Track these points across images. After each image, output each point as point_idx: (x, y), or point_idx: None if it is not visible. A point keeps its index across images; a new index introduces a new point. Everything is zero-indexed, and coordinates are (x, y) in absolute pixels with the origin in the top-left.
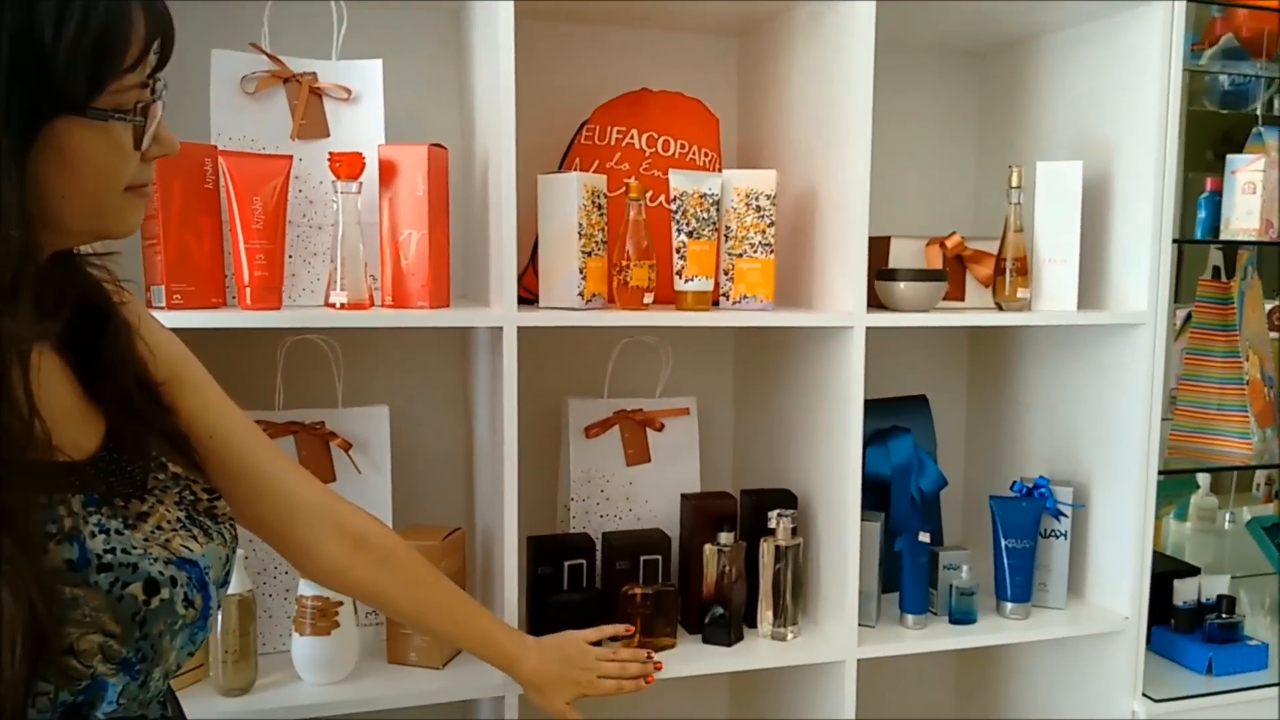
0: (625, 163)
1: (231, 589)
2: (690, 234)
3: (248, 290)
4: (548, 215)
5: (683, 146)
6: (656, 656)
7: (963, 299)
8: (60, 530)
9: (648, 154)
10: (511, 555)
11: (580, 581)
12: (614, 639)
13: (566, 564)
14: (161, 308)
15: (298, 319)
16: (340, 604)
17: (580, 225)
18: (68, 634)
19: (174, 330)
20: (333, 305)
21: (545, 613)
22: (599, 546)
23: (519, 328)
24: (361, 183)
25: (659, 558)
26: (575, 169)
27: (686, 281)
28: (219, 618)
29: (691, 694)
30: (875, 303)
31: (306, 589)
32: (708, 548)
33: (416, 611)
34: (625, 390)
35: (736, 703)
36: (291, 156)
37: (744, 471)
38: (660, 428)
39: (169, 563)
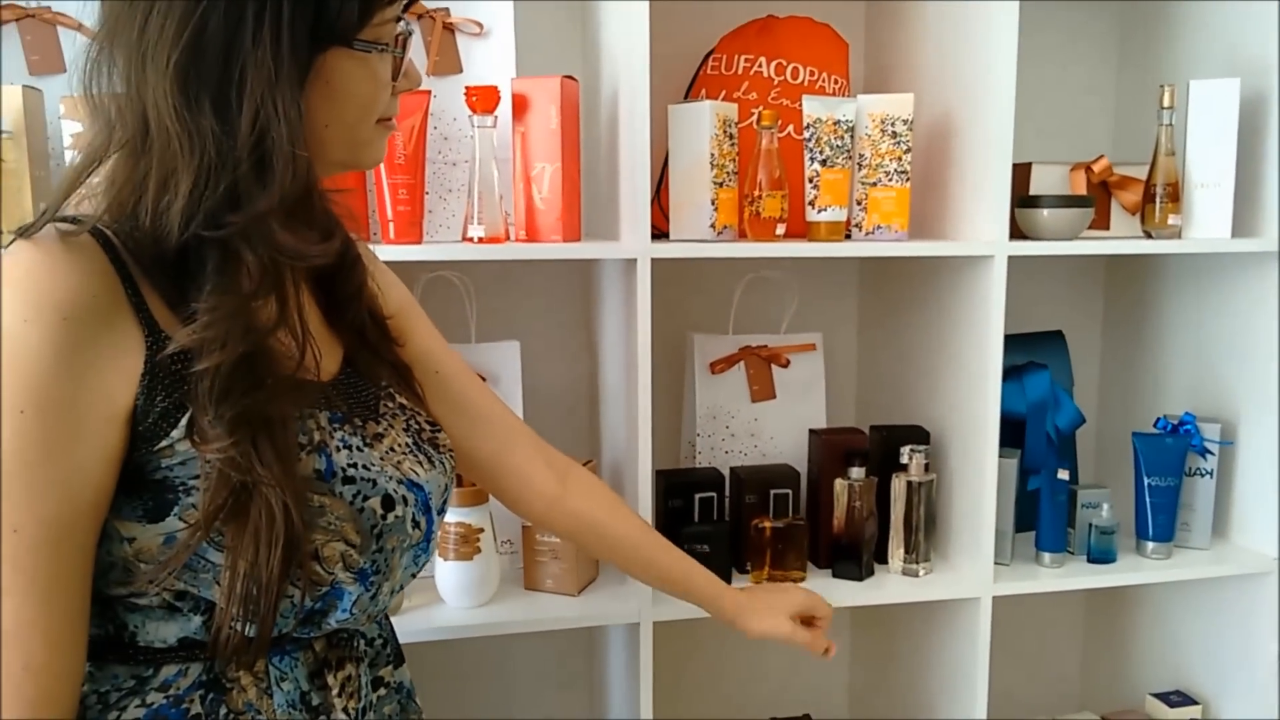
0: (753, 92)
1: None
2: (824, 162)
3: (390, 225)
4: (678, 146)
5: (812, 73)
6: None
7: (1107, 228)
8: (310, 442)
9: (776, 82)
10: (645, 488)
11: (710, 515)
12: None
13: (697, 497)
14: None
15: (438, 253)
16: (481, 530)
17: (712, 156)
18: (314, 540)
19: None
20: (470, 239)
21: (677, 544)
22: (727, 481)
23: (652, 260)
24: (497, 117)
25: (788, 492)
26: (700, 100)
27: (820, 212)
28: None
29: None
30: (1013, 232)
31: (450, 515)
32: (838, 483)
33: (626, 540)
34: (749, 325)
35: (857, 640)
36: (430, 92)
37: (869, 407)
38: (786, 364)
39: (401, 483)
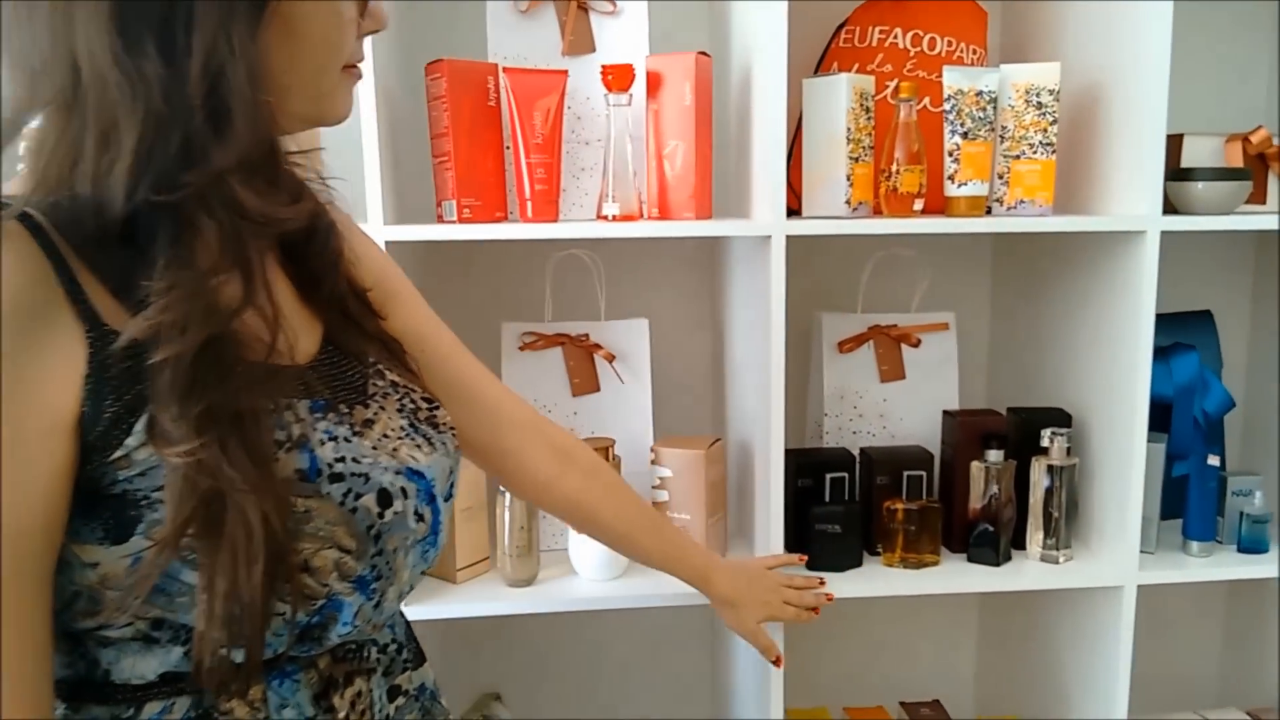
0: (888, 64)
1: None
2: (965, 135)
3: (528, 204)
4: (812, 121)
5: (949, 44)
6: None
7: (1264, 202)
8: (290, 438)
9: (912, 54)
10: (777, 467)
11: (841, 495)
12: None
13: (828, 477)
14: (453, 221)
15: (574, 231)
16: None
17: (848, 130)
18: (302, 550)
19: (468, 241)
20: (605, 217)
21: (806, 524)
22: (856, 462)
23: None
24: (632, 95)
25: (922, 474)
26: (833, 73)
27: (960, 186)
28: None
29: (940, 612)
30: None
31: None
32: (974, 465)
33: (622, 526)
34: (878, 304)
35: (985, 626)
36: (567, 71)
37: (1002, 388)
38: (916, 343)
39: (399, 473)
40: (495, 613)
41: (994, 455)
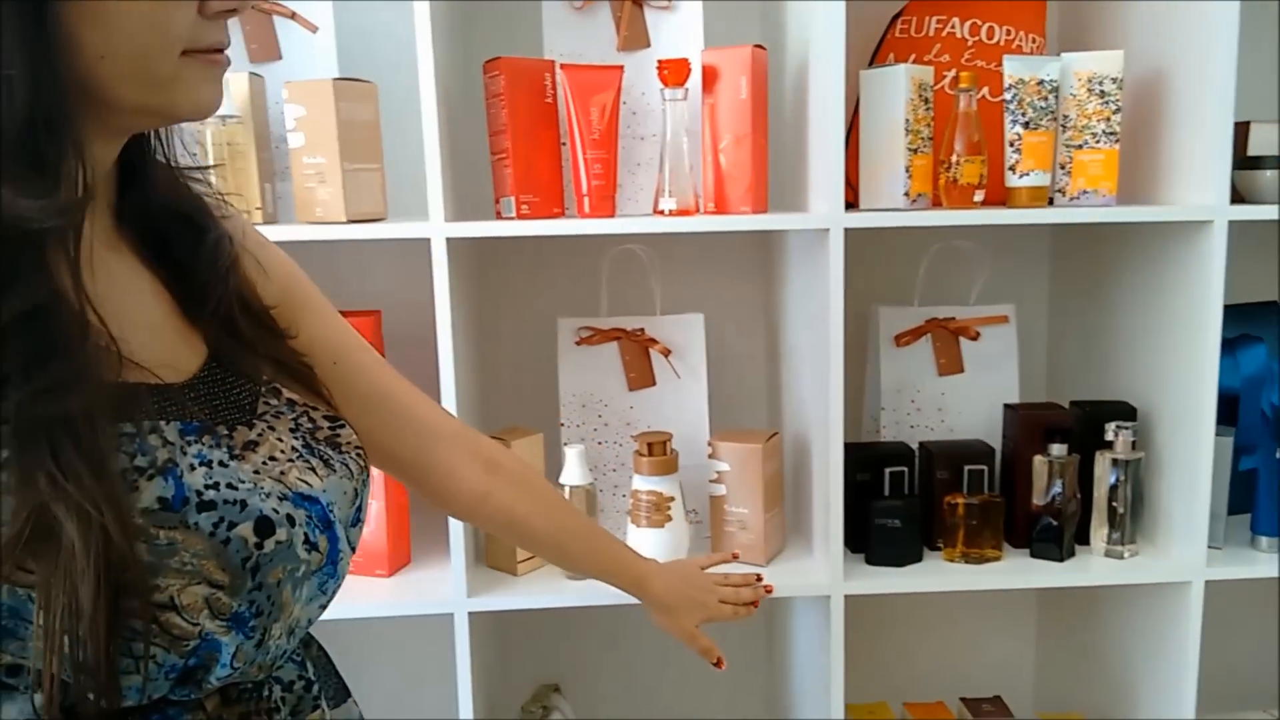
0: (946, 54)
1: (575, 481)
2: (1026, 124)
3: (585, 199)
4: (871, 112)
5: (1009, 33)
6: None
7: None
8: (153, 464)
9: (970, 43)
10: (837, 462)
11: (901, 490)
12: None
13: (887, 471)
14: (511, 218)
15: (630, 226)
16: (672, 499)
17: (907, 121)
18: (165, 586)
19: (525, 237)
20: (661, 212)
21: (865, 519)
22: (916, 456)
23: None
24: (688, 89)
25: (983, 468)
26: (889, 64)
27: (1021, 177)
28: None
29: (999, 608)
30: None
31: (642, 484)
32: (1037, 460)
33: (554, 536)
34: (936, 297)
35: (1045, 622)
36: (623, 67)
37: (1061, 381)
38: (975, 336)
39: (284, 498)
40: (557, 605)
41: (1057, 449)
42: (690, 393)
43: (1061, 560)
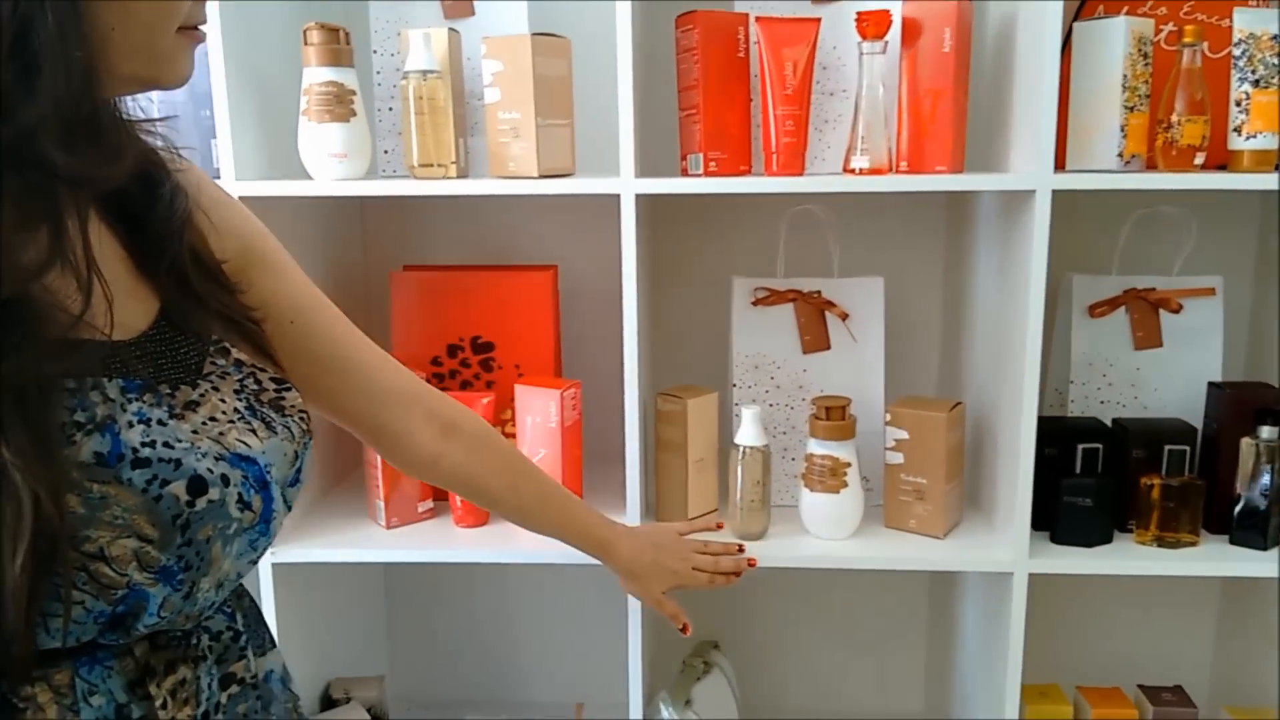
0: (1161, 7)
1: (750, 441)
2: (1256, 83)
3: (775, 156)
4: (1084, 67)
5: None
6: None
7: None
8: (91, 419)
9: None
10: (1029, 436)
11: (1093, 468)
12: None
13: (1080, 448)
14: (699, 175)
15: (820, 185)
16: (848, 464)
17: (1124, 77)
18: (96, 537)
19: (700, 196)
20: (852, 171)
21: (1051, 496)
22: (1109, 433)
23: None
24: (887, 42)
25: (1185, 449)
26: (1100, 16)
27: (1247, 139)
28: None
29: (1178, 594)
30: None
31: (817, 448)
32: (1244, 442)
33: (513, 498)
34: (1134, 265)
35: (1227, 613)
36: (820, 19)
37: (1264, 360)
38: (1177, 309)
39: (220, 459)
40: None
41: (1268, 432)
42: (866, 358)
43: (1265, 549)
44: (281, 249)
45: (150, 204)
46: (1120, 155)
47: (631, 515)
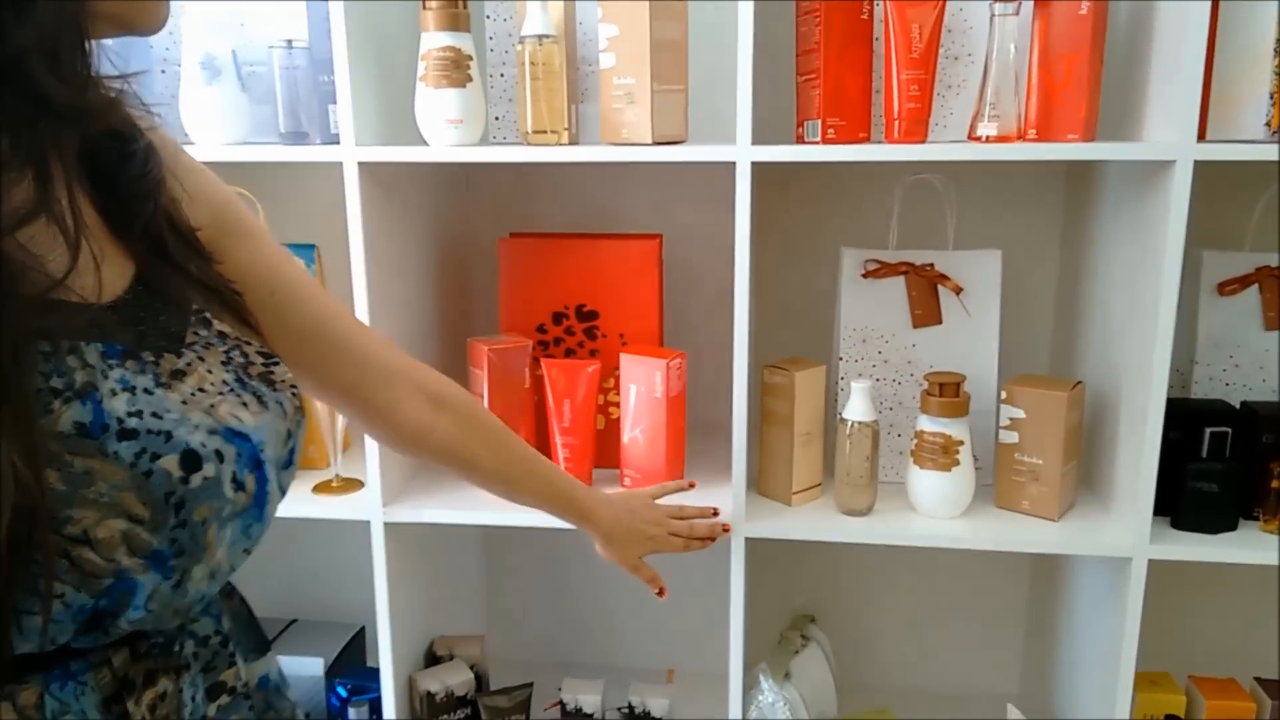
0: None
1: (859, 416)
2: None
3: (897, 123)
4: (1231, 31)
5: None
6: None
7: None
8: (70, 386)
9: None
10: (1156, 418)
11: (1221, 452)
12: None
13: (1208, 431)
14: (816, 142)
15: (945, 153)
16: (961, 443)
17: (1278, 43)
18: (79, 518)
19: (824, 164)
20: (979, 138)
21: (1174, 480)
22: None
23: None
24: (1020, 4)
25: None
26: None
27: None
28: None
29: None
30: None
31: (929, 425)
32: None
33: (503, 469)
34: (1267, 242)
35: None
36: None
37: None
38: None
39: (213, 433)
40: (831, 539)
41: None
42: (979, 333)
43: None
44: (254, 219)
45: (123, 161)
46: (1268, 124)
47: (737, 489)
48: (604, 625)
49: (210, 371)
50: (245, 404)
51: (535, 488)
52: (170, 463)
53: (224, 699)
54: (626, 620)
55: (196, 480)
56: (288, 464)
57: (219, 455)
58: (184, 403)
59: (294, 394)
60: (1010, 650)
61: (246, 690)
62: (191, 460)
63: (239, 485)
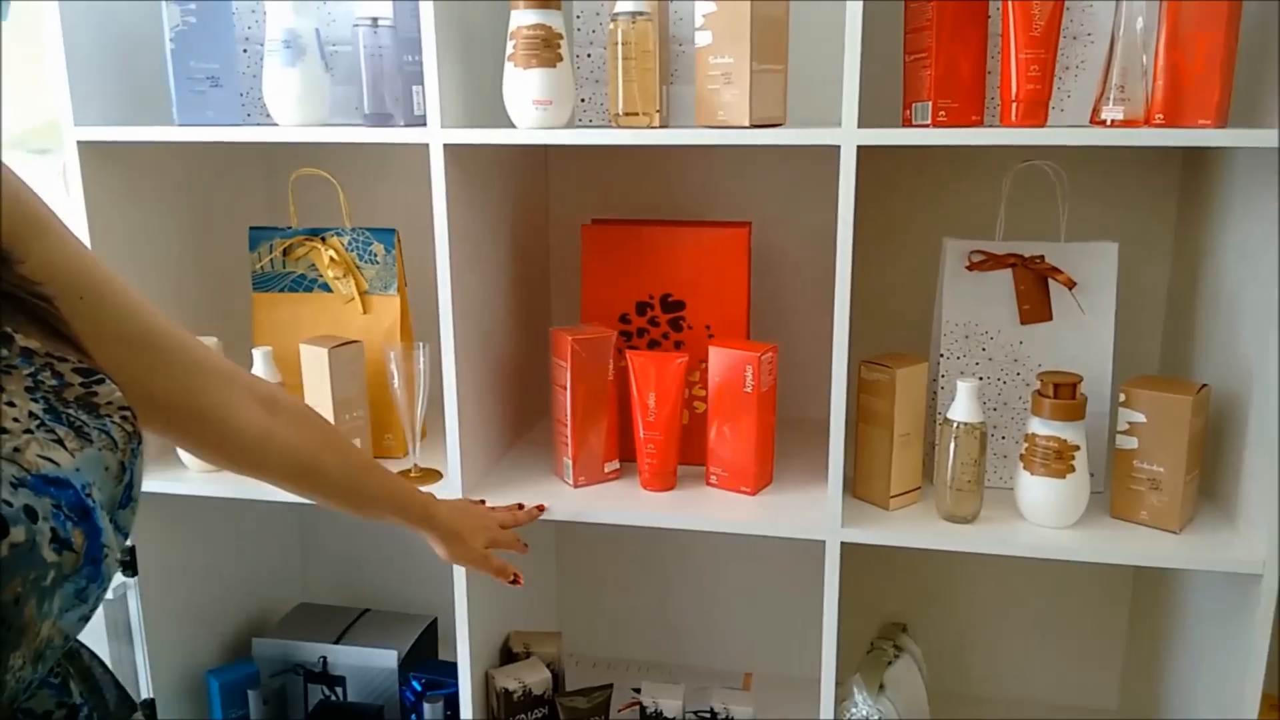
0: None
1: (965, 417)
2: None
3: (1014, 106)
4: None
5: None
6: None
7: None
8: None
9: None
10: None
11: None
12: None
13: None
14: (925, 125)
15: (1065, 137)
16: (1077, 448)
17: None
18: None
19: (926, 150)
20: (1102, 122)
21: None
22: None
23: None
24: None
25: None
26: None
27: None
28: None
29: None
30: None
31: (1041, 428)
32: None
33: (345, 472)
34: None
35: None
36: None
37: None
38: None
39: (20, 485)
40: (936, 547)
41: None
42: (1093, 331)
43: None
44: (57, 216)
45: None
46: None
47: (832, 492)
48: (674, 626)
49: (13, 404)
50: (60, 440)
51: (376, 489)
52: None
53: None
54: (696, 621)
55: (3, 549)
56: (125, 503)
57: (29, 513)
58: None
59: (125, 417)
60: (1110, 666)
61: None
62: None
63: (63, 544)
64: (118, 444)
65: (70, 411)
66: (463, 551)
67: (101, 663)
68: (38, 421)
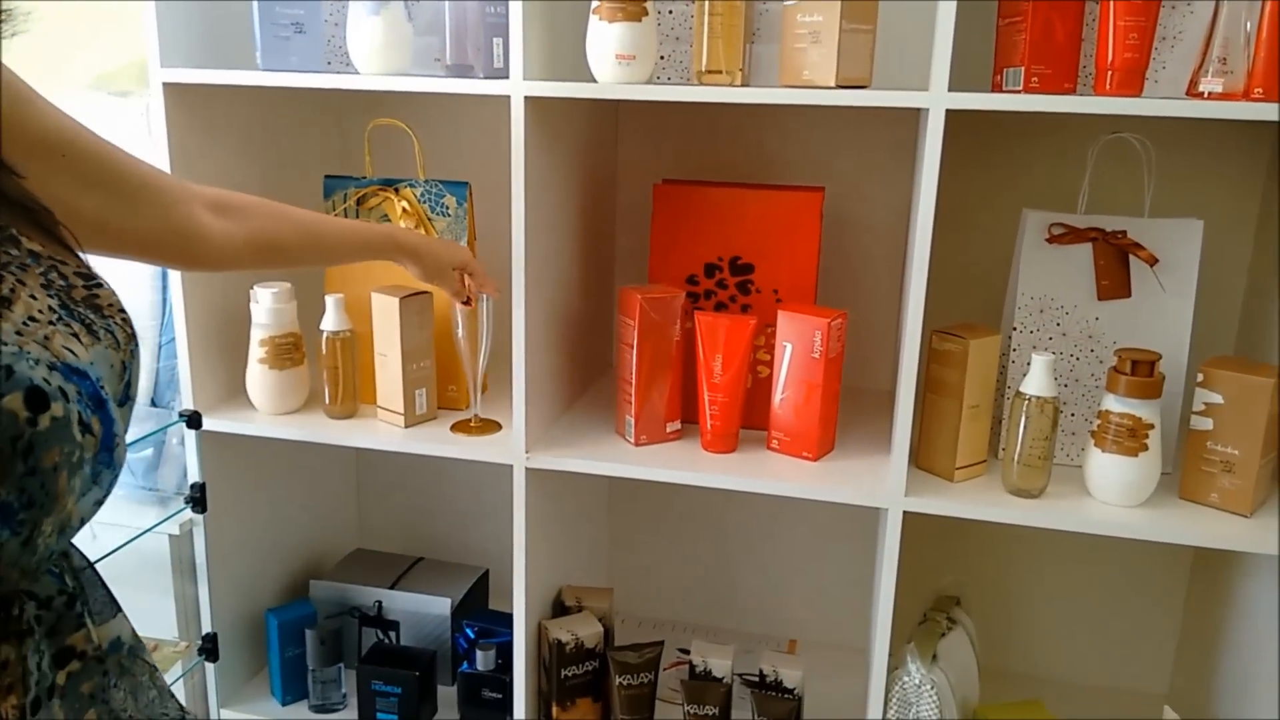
0: None
1: (1039, 391)
2: None
3: (1109, 74)
4: None
5: None
6: None
7: None
8: None
9: None
10: None
11: None
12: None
13: None
14: (1017, 90)
15: (1162, 109)
16: (1151, 426)
17: None
18: None
19: (1009, 117)
20: (1200, 95)
21: None
22: None
23: None
24: None
25: None
26: None
27: None
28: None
29: None
30: None
31: (1116, 405)
32: None
33: (305, 237)
34: None
35: None
36: None
37: None
38: None
39: (53, 368)
40: (1001, 520)
41: None
42: (1172, 310)
43: None
44: (28, 86)
45: None
46: None
47: (897, 461)
48: (721, 589)
49: (34, 297)
50: (76, 334)
51: (340, 238)
52: (14, 401)
53: (74, 665)
54: (745, 584)
55: (44, 421)
56: (124, 400)
57: (63, 393)
58: (18, 334)
59: (124, 320)
60: (1163, 647)
61: (100, 654)
62: (37, 398)
63: (85, 427)
64: (120, 343)
65: (80, 310)
66: (432, 265)
67: (90, 564)
68: (57, 316)
